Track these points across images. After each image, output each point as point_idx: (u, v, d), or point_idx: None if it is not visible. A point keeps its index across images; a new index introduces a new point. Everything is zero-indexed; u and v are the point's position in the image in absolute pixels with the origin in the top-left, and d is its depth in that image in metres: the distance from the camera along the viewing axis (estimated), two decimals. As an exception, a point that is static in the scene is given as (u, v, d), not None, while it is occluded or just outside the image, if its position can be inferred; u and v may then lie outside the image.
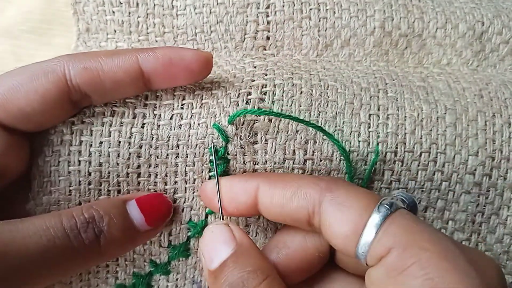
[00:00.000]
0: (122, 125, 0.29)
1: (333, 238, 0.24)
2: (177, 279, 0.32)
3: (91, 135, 0.29)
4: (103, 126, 0.29)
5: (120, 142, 0.29)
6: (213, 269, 0.25)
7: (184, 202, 0.31)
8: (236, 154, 0.29)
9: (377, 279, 0.23)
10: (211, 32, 0.33)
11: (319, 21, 0.33)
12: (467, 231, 0.32)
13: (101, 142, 0.29)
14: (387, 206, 0.23)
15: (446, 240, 0.23)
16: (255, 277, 0.24)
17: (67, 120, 0.29)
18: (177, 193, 0.30)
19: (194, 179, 0.30)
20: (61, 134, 0.29)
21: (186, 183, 0.30)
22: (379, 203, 0.24)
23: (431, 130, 0.30)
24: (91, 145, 0.29)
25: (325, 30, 0.33)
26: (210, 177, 0.30)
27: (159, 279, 0.32)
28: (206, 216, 0.31)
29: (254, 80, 0.30)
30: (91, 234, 0.25)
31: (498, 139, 0.31)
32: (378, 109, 0.30)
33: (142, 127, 0.29)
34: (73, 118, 0.29)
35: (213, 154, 0.28)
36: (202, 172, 0.30)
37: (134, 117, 0.29)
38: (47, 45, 0.37)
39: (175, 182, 0.30)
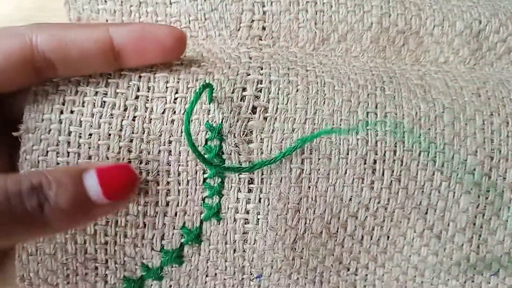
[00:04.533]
0: (112, 117, 0.28)
1: None
2: (170, 286, 0.30)
3: (80, 126, 0.28)
4: (92, 117, 0.28)
5: (110, 134, 0.27)
6: None
7: (177, 206, 0.29)
8: (230, 154, 0.28)
9: None
10: (205, 19, 0.33)
11: (316, 14, 0.33)
12: (468, 233, 0.31)
13: (90, 134, 0.28)
14: None
15: None
16: None
17: (54, 108, 0.28)
18: (169, 195, 0.29)
19: (188, 181, 0.29)
20: (49, 122, 0.28)
21: (180, 185, 0.29)
22: None
23: (429, 129, 0.30)
24: (80, 136, 0.28)
25: (322, 24, 0.33)
26: (205, 180, 0.29)
27: (151, 285, 0.30)
28: (201, 223, 0.29)
29: (249, 74, 0.29)
30: (34, 202, 0.23)
31: (496, 138, 0.30)
32: (376, 107, 0.30)
33: (133, 120, 0.28)
34: (61, 106, 0.28)
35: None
36: (196, 173, 0.29)
37: (125, 110, 0.28)
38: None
39: (168, 183, 0.29)
